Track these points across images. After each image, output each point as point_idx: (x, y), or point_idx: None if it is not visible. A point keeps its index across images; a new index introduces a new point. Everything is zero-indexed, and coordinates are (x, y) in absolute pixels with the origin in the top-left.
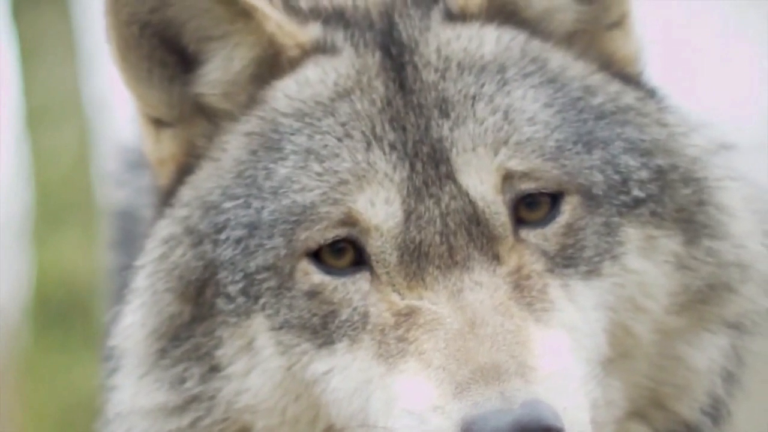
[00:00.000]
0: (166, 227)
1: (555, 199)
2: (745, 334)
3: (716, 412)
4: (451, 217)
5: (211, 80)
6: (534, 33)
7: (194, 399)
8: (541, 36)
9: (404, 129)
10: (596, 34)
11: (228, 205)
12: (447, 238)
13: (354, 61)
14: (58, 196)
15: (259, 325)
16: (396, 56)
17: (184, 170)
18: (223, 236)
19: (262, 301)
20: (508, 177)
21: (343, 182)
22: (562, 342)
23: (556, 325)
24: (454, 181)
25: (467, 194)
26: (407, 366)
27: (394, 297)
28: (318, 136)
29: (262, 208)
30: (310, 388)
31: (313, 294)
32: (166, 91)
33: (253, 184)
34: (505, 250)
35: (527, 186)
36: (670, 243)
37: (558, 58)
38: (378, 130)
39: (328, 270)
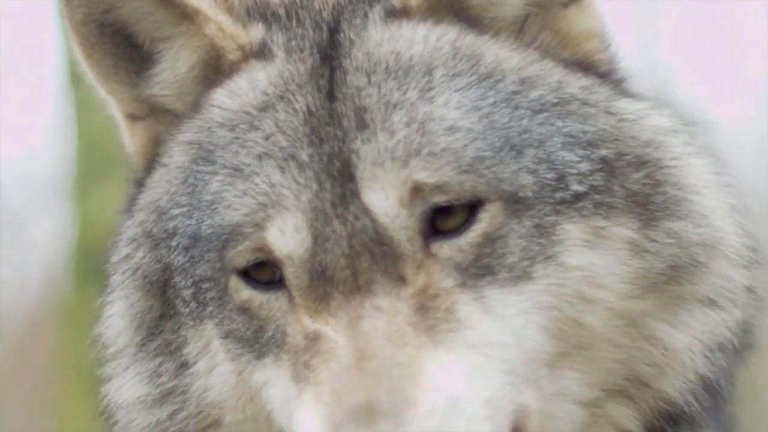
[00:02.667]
0: (128, 228)
1: (473, 207)
2: (724, 311)
3: (707, 392)
4: (356, 239)
5: (162, 80)
6: (473, 25)
7: (170, 393)
8: (481, 27)
9: (321, 142)
10: (550, 14)
11: (175, 212)
12: (351, 261)
13: (285, 67)
14: (101, 148)
15: (210, 330)
16: (330, 60)
17: (149, 168)
18: (173, 243)
19: (209, 309)
20: (417, 190)
21: (261, 206)
22: (461, 366)
23: (461, 346)
24: (359, 198)
25: (371, 212)
26: (306, 395)
27: (306, 320)
28: (243, 151)
29: (201, 220)
30: (258, 394)
31: (243, 309)
32: (134, 86)
33: (194, 193)
34: (412, 268)
35: (439, 198)
36: (623, 230)
37: (494, 52)
38: (296, 145)
39: (255, 285)
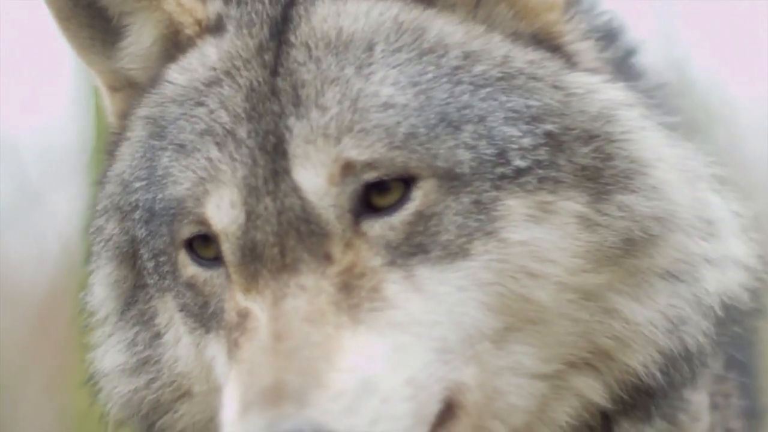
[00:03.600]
0: (101, 200)
1: (408, 185)
2: (685, 284)
3: (674, 368)
4: (284, 216)
5: (129, 54)
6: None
7: (146, 362)
8: (429, 2)
9: (260, 118)
10: None
11: (136, 185)
12: (280, 239)
13: (234, 42)
14: None
15: (171, 302)
16: (279, 35)
17: (118, 141)
18: (136, 216)
19: (167, 282)
20: (348, 168)
21: (201, 181)
22: (380, 346)
23: (384, 325)
24: (290, 176)
25: (300, 189)
26: (232, 373)
27: (239, 297)
28: (188, 127)
29: (155, 195)
30: (211, 367)
31: (190, 285)
32: (109, 58)
33: (150, 168)
34: (339, 247)
35: (370, 175)
36: (572, 205)
37: (438, 26)
38: (236, 121)
39: (200, 262)
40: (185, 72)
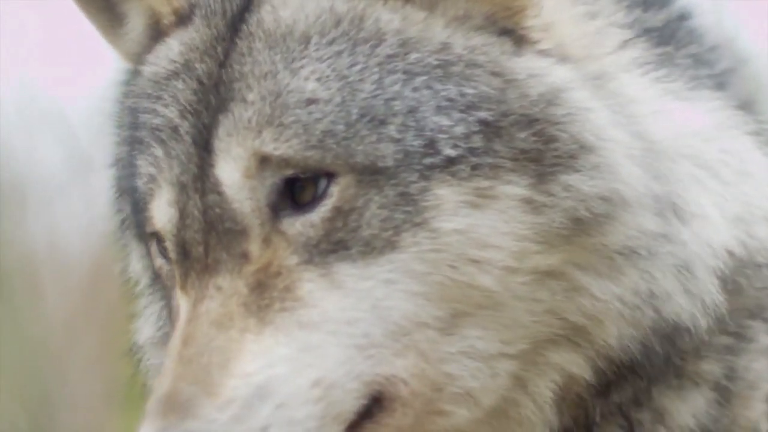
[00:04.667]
0: (113, 182)
1: (329, 181)
2: (646, 260)
3: (662, 341)
4: (208, 214)
5: (130, 40)
6: None
7: (167, 337)
8: None
9: (201, 113)
10: None
11: (126, 171)
12: (205, 237)
13: (195, 34)
14: None
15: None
16: (236, 25)
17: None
18: (131, 199)
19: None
20: (265, 162)
21: (150, 178)
22: (284, 349)
23: (292, 325)
24: (213, 171)
25: (220, 184)
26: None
27: (178, 294)
28: (148, 122)
29: (132, 184)
30: None
31: (158, 275)
32: (125, 41)
33: (129, 157)
34: (257, 245)
35: (286, 171)
36: (513, 188)
37: (376, 14)
38: (183, 116)
39: (164, 254)
40: (152, 65)
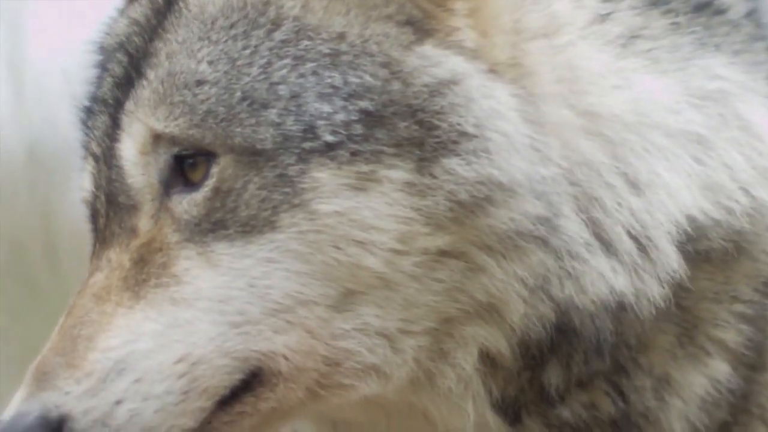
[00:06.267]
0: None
1: (210, 161)
2: (541, 241)
3: (581, 324)
4: (111, 186)
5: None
6: None
7: None
8: None
9: (124, 86)
10: None
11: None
12: (106, 209)
13: (140, 8)
14: None
15: None
16: (173, 2)
17: None
18: None
19: None
20: (158, 140)
21: (82, 149)
22: (153, 324)
23: (164, 301)
24: (117, 145)
25: (120, 158)
26: None
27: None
28: (92, 92)
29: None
30: None
31: None
32: None
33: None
34: (146, 220)
35: (174, 150)
36: (395, 173)
37: (280, 1)
38: (111, 89)
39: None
40: (107, 36)
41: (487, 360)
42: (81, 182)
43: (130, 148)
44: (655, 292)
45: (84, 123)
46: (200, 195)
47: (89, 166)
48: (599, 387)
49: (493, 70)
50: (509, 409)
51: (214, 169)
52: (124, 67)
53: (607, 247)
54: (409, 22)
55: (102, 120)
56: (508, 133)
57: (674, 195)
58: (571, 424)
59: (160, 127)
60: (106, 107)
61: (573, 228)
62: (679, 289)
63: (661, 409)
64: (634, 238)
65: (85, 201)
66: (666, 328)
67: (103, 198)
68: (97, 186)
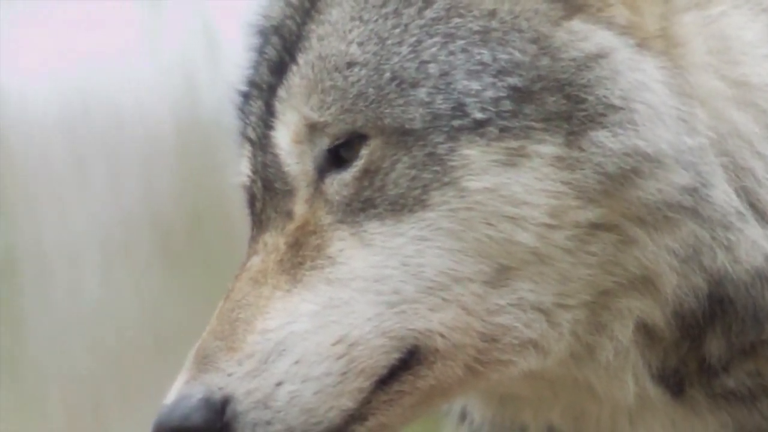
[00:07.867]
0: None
1: (361, 143)
2: (692, 212)
3: (739, 290)
4: (267, 172)
5: None
6: None
7: None
8: None
9: (279, 71)
10: None
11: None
12: (263, 194)
13: None
14: None
15: None
16: None
17: None
18: None
19: None
20: (312, 128)
21: (239, 132)
22: (310, 305)
23: (320, 282)
24: (272, 132)
25: (276, 146)
26: None
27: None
28: (247, 76)
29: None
30: None
31: None
32: None
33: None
34: (301, 204)
35: (329, 135)
36: (545, 147)
37: None
38: (267, 73)
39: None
40: (262, 18)
41: (644, 332)
42: (239, 167)
43: (284, 136)
44: None
45: (240, 108)
46: (349, 175)
47: (246, 151)
48: (763, 354)
49: (642, 44)
50: (671, 381)
51: (365, 151)
52: (278, 51)
53: (762, 215)
54: None
55: (257, 105)
56: (653, 104)
57: None
58: (735, 393)
59: (314, 116)
60: (261, 93)
61: (724, 198)
62: None
63: None
64: None
65: (242, 185)
66: None
67: (259, 183)
68: (254, 171)
